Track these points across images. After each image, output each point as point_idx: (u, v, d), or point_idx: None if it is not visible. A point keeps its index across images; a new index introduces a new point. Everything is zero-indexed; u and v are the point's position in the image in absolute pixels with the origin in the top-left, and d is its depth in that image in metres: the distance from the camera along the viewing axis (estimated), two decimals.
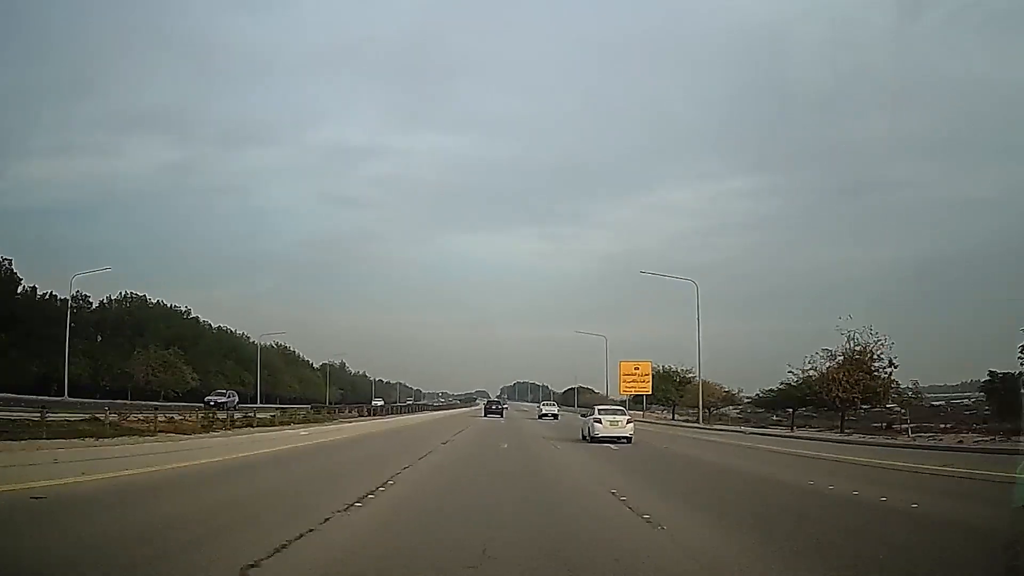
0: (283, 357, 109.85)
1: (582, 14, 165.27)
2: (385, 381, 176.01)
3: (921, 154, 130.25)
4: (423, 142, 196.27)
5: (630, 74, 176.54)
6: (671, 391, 68.70)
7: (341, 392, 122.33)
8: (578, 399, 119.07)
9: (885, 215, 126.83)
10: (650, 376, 68.33)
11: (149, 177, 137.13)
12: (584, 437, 29.02)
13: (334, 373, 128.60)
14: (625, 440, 27.30)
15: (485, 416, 70.89)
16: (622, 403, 60.00)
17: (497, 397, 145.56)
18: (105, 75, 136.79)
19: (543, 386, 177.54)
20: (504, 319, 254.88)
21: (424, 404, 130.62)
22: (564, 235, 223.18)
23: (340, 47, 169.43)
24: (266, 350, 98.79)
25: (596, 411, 29.76)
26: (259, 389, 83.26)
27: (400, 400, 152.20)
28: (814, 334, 71.23)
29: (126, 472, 13.06)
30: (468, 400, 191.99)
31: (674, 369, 68.92)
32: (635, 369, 69.27)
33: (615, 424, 27.94)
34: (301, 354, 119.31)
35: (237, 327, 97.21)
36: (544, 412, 68.10)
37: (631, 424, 28.32)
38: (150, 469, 13.91)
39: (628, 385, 69.37)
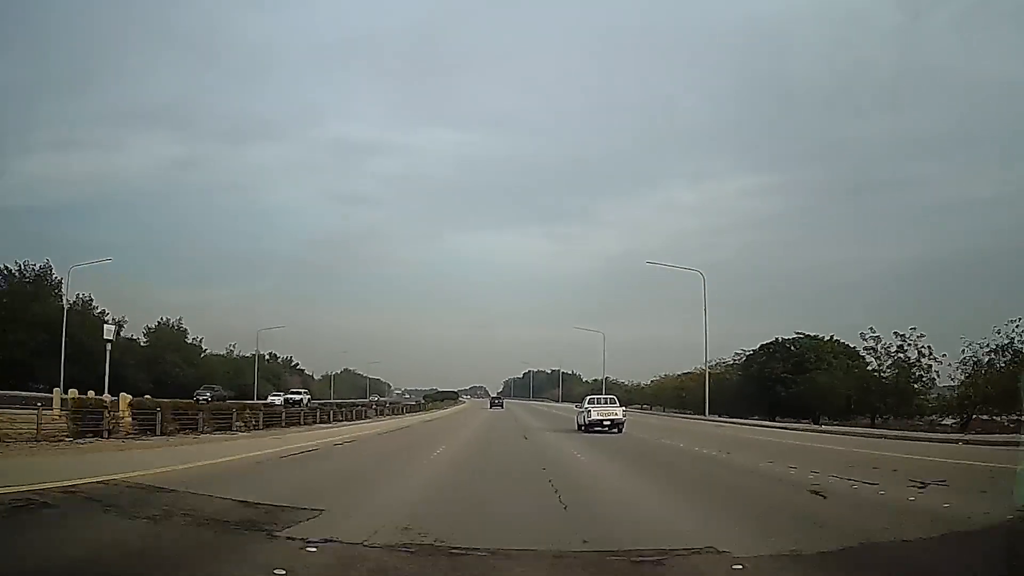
0: None
1: (589, 10, 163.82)
2: (276, 357, 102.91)
3: (923, 154, 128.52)
4: (429, 139, 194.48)
5: (636, 72, 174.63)
6: None
7: None
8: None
9: (887, 215, 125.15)
10: None
11: (152, 174, 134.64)
12: None
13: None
14: None
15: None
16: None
17: (498, 393, 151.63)
18: (108, 70, 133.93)
19: (574, 374, 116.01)
20: (507, 318, 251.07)
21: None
22: (570, 234, 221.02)
23: (346, 43, 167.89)
24: None
25: None
26: None
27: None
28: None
29: None
30: (444, 396, 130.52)
31: None
32: None
33: None
34: None
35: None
36: (595, 418, 33.04)
37: None
38: None
39: None
